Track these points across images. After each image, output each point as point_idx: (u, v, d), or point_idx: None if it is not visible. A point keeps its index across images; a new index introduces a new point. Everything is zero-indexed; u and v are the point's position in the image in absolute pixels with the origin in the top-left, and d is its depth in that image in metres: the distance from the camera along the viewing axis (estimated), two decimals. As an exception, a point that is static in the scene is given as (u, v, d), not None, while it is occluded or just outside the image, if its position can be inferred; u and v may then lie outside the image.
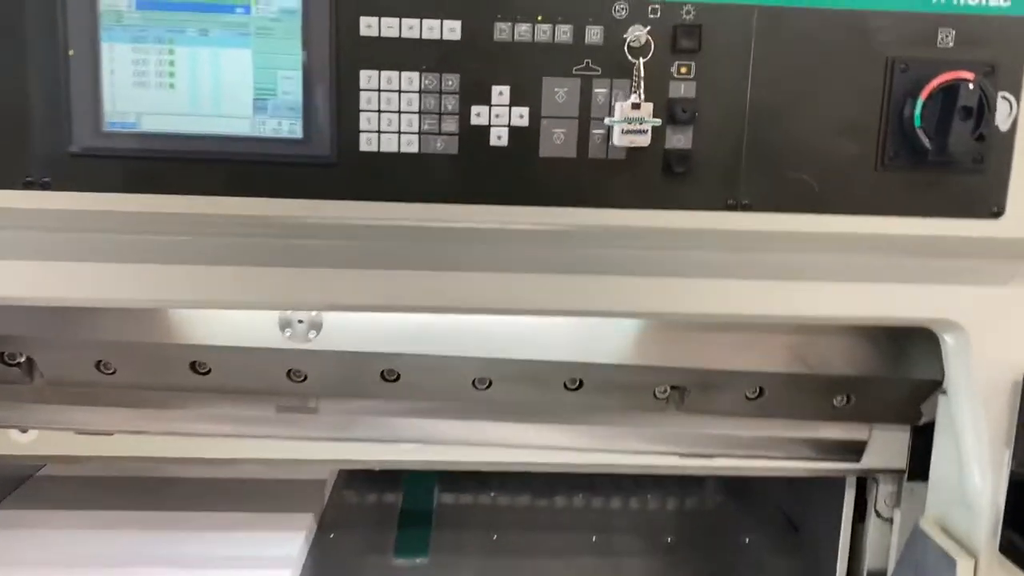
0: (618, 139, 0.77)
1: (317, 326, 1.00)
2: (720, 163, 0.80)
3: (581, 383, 1.08)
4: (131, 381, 1.06)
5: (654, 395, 1.10)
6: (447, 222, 0.81)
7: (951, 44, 0.79)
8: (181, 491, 1.28)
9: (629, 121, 0.76)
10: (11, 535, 1.18)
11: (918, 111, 0.78)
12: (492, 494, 1.45)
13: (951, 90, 0.78)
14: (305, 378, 1.06)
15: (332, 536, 1.29)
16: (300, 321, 1.00)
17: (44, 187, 0.77)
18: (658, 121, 0.77)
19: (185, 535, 1.20)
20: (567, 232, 0.83)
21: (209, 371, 1.05)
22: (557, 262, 0.86)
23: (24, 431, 1.11)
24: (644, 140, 0.77)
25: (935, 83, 0.78)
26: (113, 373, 1.05)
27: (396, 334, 1.01)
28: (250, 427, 1.11)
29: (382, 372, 1.06)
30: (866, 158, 0.81)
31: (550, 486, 1.44)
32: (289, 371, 1.05)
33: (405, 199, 0.80)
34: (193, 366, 1.05)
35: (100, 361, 1.04)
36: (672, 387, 1.09)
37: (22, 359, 1.04)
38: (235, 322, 1.00)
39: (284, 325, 1.00)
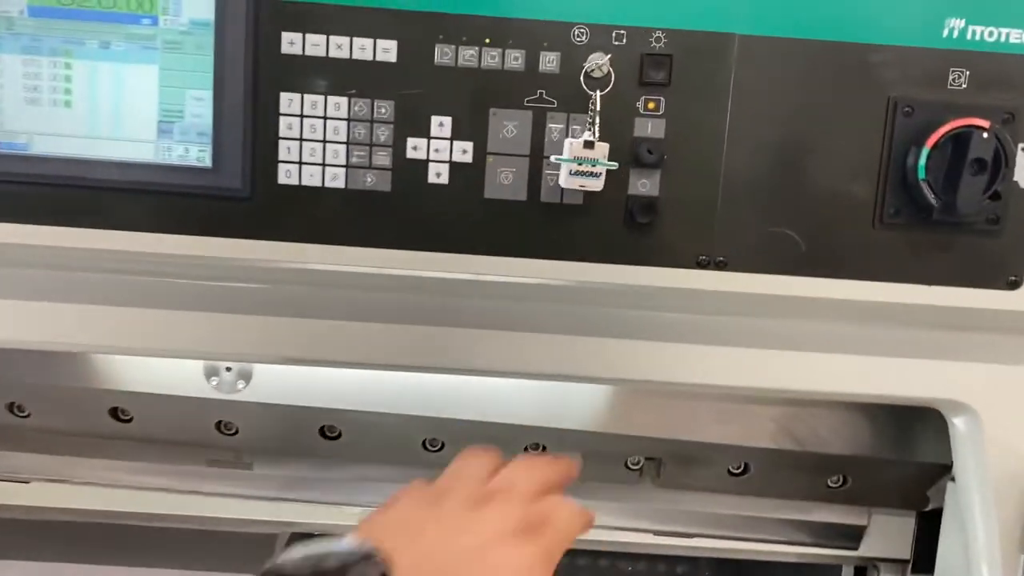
0: (565, 180, 0.67)
1: (247, 376, 0.90)
2: (692, 214, 0.70)
3: (544, 449, 0.96)
4: (47, 425, 0.96)
5: (626, 465, 0.99)
6: (376, 268, 0.71)
7: (964, 86, 0.68)
8: (111, 540, 1.17)
9: (580, 162, 0.66)
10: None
11: (923, 161, 0.68)
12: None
13: (962, 139, 0.67)
14: (236, 431, 0.96)
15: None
16: (228, 369, 0.90)
17: (-83, 213, 0.68)
18: (614, 164, 0.67)
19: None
20: (515, 284, 0.72)
21: (132, 419, 0.95)
22: (504, 318, 0.75)
23: (-67, 475, 1.02)
24: (596, 184, 0.67)
25: (944, 130, 0.67)
26: (27, 416, 0.95)
27: (335, 388, 0.91)
28: (179, 481, 1.01)
29: (321, 428, 0.95)
30: (862, 214, 0.70)
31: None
32: (219, 423, 0.95)
33: (328, 240, 0.70)
34: (114, 413, 0.95)
35: (12, 403, 0.94)
36: (647, 458, 0.98)
37: (-71, 397, 0.95)
38: (157, 367, 0.91)
39: (210, 373, 0.90)
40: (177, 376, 0.90)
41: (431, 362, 0.77)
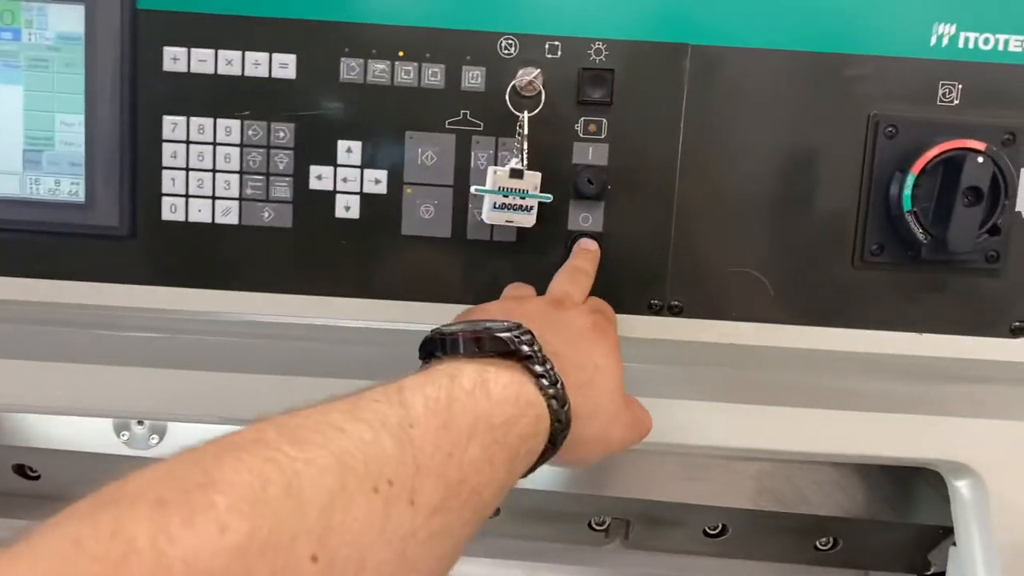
0: (488, 215, 0.57)
1: (160, 431, 0.81)
2: (641, 252, 0.60)
3: (498, 512, 0.87)
4: (-53, 483, 0.87)
5: (590, 526, 0.88)
6: (279, 316, 0.62)
7: (956, 102, 0.59)
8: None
9: (505, 193, 0.56)
10: None
11: (909, 190, 0.58)
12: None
13: (954, 163, 0.57)
14: (156, 490, 0.86)
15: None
16: (140, 423, 0.80)
17: None
18: (548, 197, 0.57)
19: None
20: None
21: (39, 476, 0.86)
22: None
23: None
24: (526, 220, 0.57)
25: (933, 153, 0.58)
26: (-75, 473, 0.87)
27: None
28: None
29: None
30: (840, 251, 0.60)
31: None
32: (136, 481, 0.86)
33: (222, 285, 0.61)
34: (20, 470, 0.86)
35: (-93, 459, 0.86)
36: (613, 518, 0.88)
37: None
38: (63, 421, 0.82)
39: (120, 428, 0.80)
40: (84, 431, 0.81)
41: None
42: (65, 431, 0.82)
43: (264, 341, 0.64)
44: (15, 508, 0.90)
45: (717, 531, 0.88)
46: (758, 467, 0.82)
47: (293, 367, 0.66)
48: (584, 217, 0.60)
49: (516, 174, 0.56)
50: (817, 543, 0.88)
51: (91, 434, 0.82)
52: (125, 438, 0.81)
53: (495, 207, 0.56)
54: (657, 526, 0.87)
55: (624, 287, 0.60)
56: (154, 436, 0.81)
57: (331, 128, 0.59)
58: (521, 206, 0.57)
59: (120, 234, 0.60)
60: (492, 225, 0.60)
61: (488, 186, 0.56)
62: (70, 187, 0.60)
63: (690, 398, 0.65)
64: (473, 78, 0.59)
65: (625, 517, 0.87)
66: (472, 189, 0.58)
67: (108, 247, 0.60)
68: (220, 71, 0.59)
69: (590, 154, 0.59)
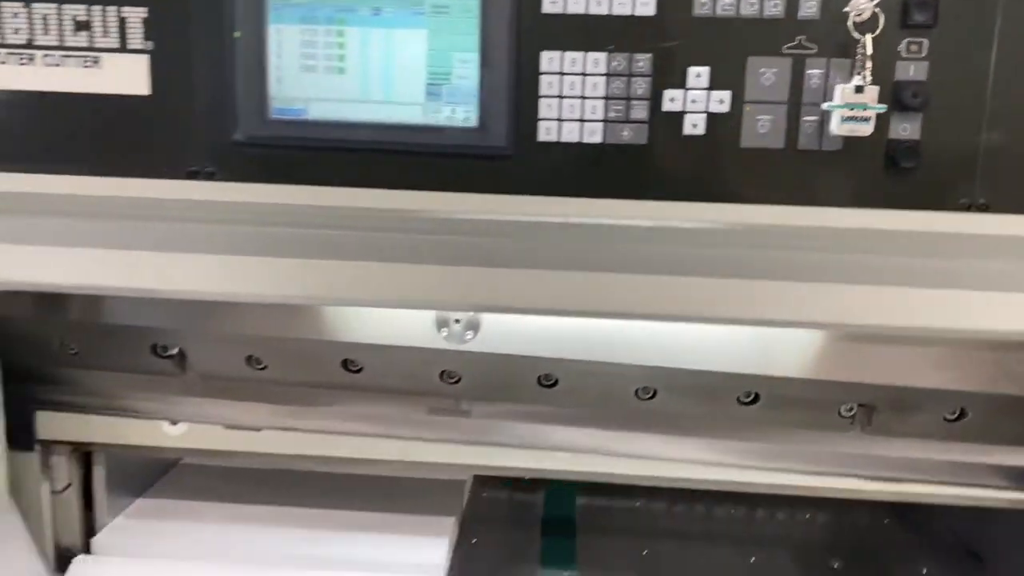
0: (836, 127, 0.67)
1: (475, 327, 0.94)
2: (954, 157, 0.69)
3: (757, 397, 0.98)
4: (281, 377, 1.02)
5: (839, 413, 0.99)
6: (631, 220, 0.73)
7: None
8: (318, 485, 1.25)
9: (851, 107, 0.66)
10: (155, 526, 1.17)
11: None
12: (638, 503, 1.36)
13: None
14: (459, 380, 1.00)
15: (474, 542, 1.24)
16: (457, 321, 0.94)
17: (208, 177, 0.74)
18: (883, 107, 0.67)
19: (326, 534, 1.16)
20: (771, 231, 0.73)
21: (361, 369, 1.00)
22: (753, 266, 0.76)
23: (174, 423, 1.09)
24: (866, 129, 0.67)
25: None
26: (264, 368, 1.02)
27: (557, 337, 0.94)
28: (399, 428, 1.06)
29: (539, 377, 0.99)
30: None
31: (703, 497, 1.34)
32: (443, 372, 1.00)
33: (585, 194, 0.72)
34: (345, 364, 1.00)
35: (251, 356, 1.01)
36: (860, 405, 0.98)
37: (174, 352, 1.02)
38: (390, 320, 0.95)
39: (441, 324, 0.94)
40: (408, 328, 0.95)
41: (673, 311, 0.79)
42: (390, 327, 0.96)
43: (616, 244, 0.76)
44: (339, 399, 1.05)
45: (956, 416, 0.97)
46: (1000, 354, 0.91)
47: (626, 265, 0.77)
48: (903, 128, 0.69)
49: (859, 90, 0.66)
50: (1054, 427, 0.97)
51: (413, 330, 0.95)
52: (444, 334, 0.94)
53: (842, 120, 0.66)
54: (899, 412, 0.97)
55: (938, 187, 0.70)
56: (469, 332, 0.94)
57: (683, 57, 0.69)
58: (862, 117, 0.66)
59: (507, 153, 0.71)
60: (821, 135, 0.69)
61: (836, 102, 0.66)
62: (464, 114, 0.71)
63: (995, 289, 0.74)
64: (809, 8, 0.68)
65: (872, 404, 0.97)
66: (823, 105, 0.68)
67: (494, 164, 0.72)
68: (591, 11, 0.69)
69: (912, 71, 0.68)
